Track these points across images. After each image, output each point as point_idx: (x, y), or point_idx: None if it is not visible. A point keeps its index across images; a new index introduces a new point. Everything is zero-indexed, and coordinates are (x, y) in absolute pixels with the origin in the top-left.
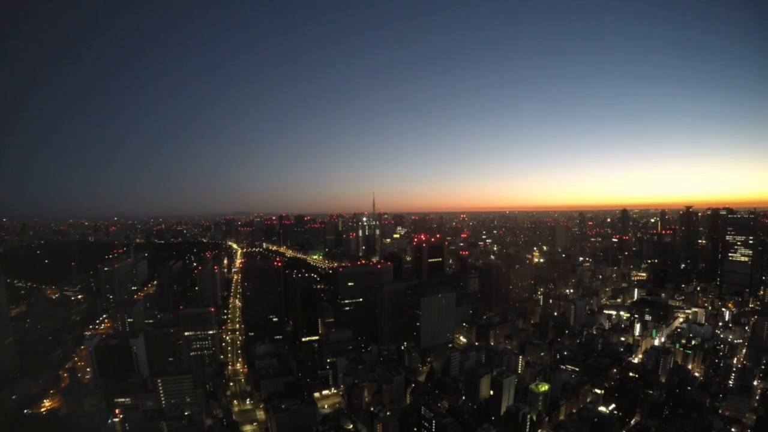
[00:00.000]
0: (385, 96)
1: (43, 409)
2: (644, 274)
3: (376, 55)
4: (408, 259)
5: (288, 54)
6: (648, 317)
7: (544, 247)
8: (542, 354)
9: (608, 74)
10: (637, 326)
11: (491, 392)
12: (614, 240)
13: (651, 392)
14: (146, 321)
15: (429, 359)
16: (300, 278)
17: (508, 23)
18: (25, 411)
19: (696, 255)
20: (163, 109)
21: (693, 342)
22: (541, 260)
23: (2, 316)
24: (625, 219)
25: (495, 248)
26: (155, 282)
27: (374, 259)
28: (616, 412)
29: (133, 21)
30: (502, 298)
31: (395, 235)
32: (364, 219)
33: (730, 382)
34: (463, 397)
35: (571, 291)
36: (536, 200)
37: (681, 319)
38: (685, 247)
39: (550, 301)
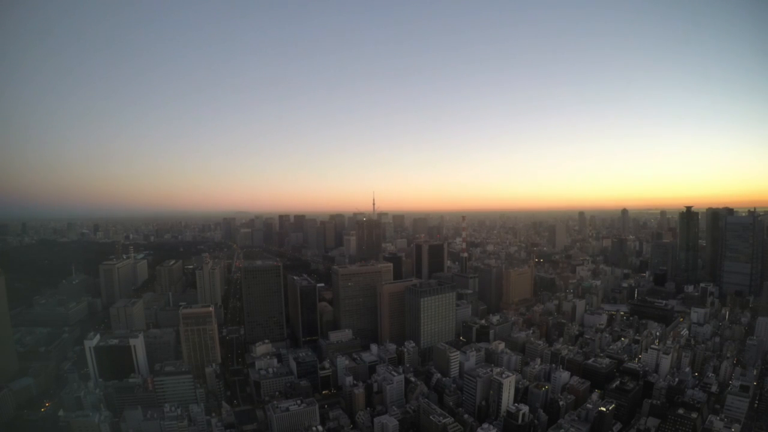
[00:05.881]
0: (385, 96)
1: (42, 410)
2: (644, 274)
3: (376, 56)
4: (408, 259)
5: (289, 53)
6: (648, 317)
7: (544, 248)
8: (542, 354)
9: (608, 74)
10: (637, 326)
11: (491, 392)
12: (614, 240)
13: (651, 392)
14: (146, 321)
15: (429, 359)
16: (300, 278)
17: (508, 23)
18: (25, 411)
19: (696, 255)
20: (164, 108)
21: (693, 342)
22: (541, 260)
23: (2, 316)
24: (625, 219)
25: (495, 248)
26: (155, 282)
27: (374, 260)
28: (615, 412)
29: (133, 20)
30: (501, 299)
31: (395, 236)
32: (364, 219)
33: (730, 382)
34: (463, 397)
35: (571, 291)
36: (536, 200)
37: (681, 320)
38: (685, 247)
39: (550, 301)
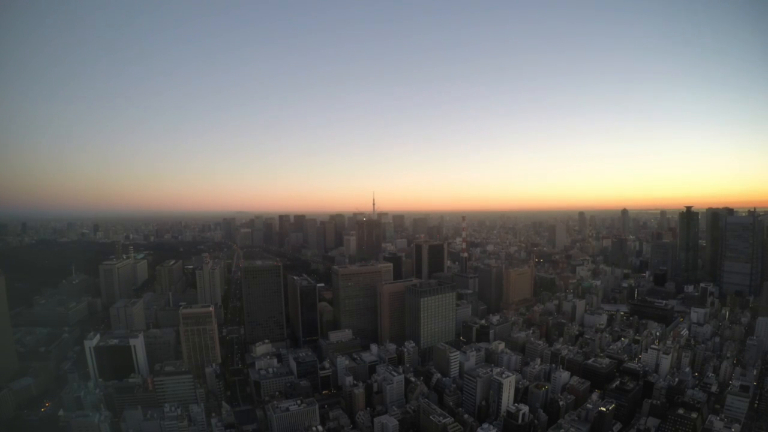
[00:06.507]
0: (386, 96)
1: (42, 410)
2: (644, 274)
3: (377, 56)
4: (408, 259)
5: (288, 53)
6: (648, 317)
7: (544, 248)
8: (542, 354)
9: (608, 74)
10: (637, 326)
11: (491, 392)
12: (614, 240)
13: (651, 392)
14: (146, 321)
15: (429, 359)
16: (300, 278)
17: (507, 22)
18: (25, 411)
19: (696, 255)
20: (164, 108)
21: (693, 342)
22: (541, 260)
23: (2, 316)
24: (625, 219)
25: (495, 248)
26: (155, 282)
27: (374, 260)
28: (615, 412)
29: (133, 20)
30: (501, 299)
31: (395, 236)
32: (364, 219)
33: (730, 382)
34: (463, 397)
35: (571, 291)
36: (536, 201)
37: (681, 320)
38: (685, 247)
39: (550, 301)
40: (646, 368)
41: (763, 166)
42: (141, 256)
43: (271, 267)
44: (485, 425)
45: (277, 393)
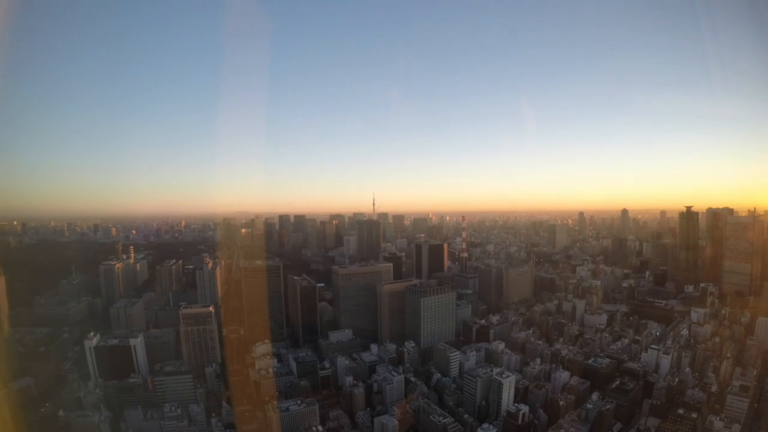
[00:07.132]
0: (385, 96)
1: (42, 410)
2: (644, 274)
3: (377, 56)
4: (408, 259)
5: (289, 53)
6: (648, 317)
7: (544, 248)
8: (542, 354)
9: (608, 74)
10: (637, 326)
11: (491, 392)
12: (614, 240)
13: (651, 392)
14: (146, 321)
15: (429, 359)
16: (300, 278)
17: (505, 21)
18: (25, 411)
19: (696, 255)
20: (163, 108)
21: (693, 342)
22: (541, 260)
23: (2, 316)
24: (625, 219)
25: (495, 248)
26: (155, 282)
27: (374, 260)
28: (615, 412)
29: (131, 19)
30: (501, 299)
31: (395, 236)
32: (365, 219)
33: (730, 382)
34: (463, 397)
35: (571, 291)
36: (536, 201)
37: (681, 320)
38: (685, 247)
39: (550, 301)
40: (646, 368)
41: (763, 166)
42: (141, 256)
43: (271, 267)
44: (485, 425)
45: (277, 393)
